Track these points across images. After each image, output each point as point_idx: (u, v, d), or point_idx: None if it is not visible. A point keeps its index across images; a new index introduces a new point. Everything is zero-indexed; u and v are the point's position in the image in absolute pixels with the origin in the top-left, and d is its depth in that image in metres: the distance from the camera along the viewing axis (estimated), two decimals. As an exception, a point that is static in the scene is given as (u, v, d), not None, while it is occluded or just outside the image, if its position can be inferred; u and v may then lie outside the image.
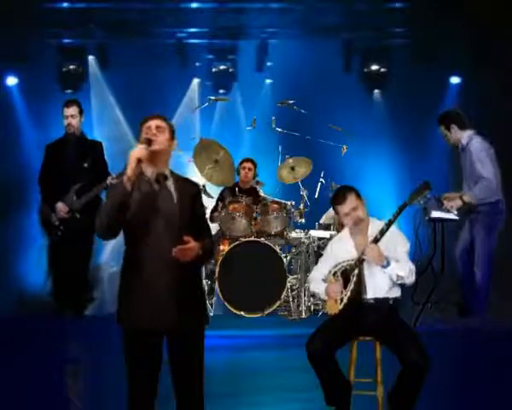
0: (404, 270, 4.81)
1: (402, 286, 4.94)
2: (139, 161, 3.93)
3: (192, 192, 4.17)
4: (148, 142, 4.02)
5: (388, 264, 4.78)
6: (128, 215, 3.97)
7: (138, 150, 3.96)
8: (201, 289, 4.27)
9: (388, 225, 4.79)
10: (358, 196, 4.95)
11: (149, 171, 4.08)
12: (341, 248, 5.01)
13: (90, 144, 8.09)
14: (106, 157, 8.12)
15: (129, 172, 3.92)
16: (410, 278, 4.85)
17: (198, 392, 4.10)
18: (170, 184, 4.10)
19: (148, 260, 3.99)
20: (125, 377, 4.03)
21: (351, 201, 4.90)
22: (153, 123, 4.09)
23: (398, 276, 4.81)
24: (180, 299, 3.99)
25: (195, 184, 4.28)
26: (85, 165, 7.81)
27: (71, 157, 7.89)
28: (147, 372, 4.03)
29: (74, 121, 7.89)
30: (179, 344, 4.05)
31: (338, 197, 4.96)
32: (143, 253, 4.00)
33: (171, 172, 4.16)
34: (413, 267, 4.87)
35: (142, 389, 4.03)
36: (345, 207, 4.92)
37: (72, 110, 7.90)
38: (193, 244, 3.97)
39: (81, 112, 7.98)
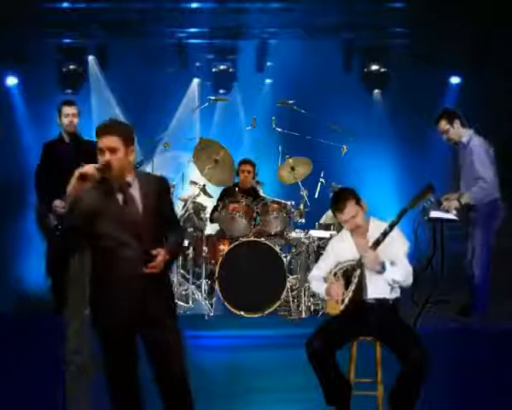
0: (400, 274, 4.81)
1: (401, 286, 4.94)
2: (82, 178, 3.92)
3: (157, 189, 4.16)
4: (103, 169, 3.99)
5: (384, 269, 4.78)
6: (93, 227, 3.99)
7: (85, 168, 3.95)
8: (170, 286, 4.30)
9: (391, 226, 4.79)
10: (358, 201, 4.93)
11: (112, 181, 4.06)
12: (342, 248, 5.01)
13: (86, 144, 8.06)
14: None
15: (68, 189, 3.93)
16: (406, 282, 4.86)
17: (185, 386, 4.12)
18: (134, 190, 4.08)
19: (117, 266, 4.03)
20: (106, 379, 4.12)
21: (350, 209, 4.89)
22: (104, 145, 4.02)
23: (393, 280, 4.82)
24: (149, 298, 4.04)
25: (161, 179, 4.27)
26: (82, 165, 7.78)
27: (68, 157, 7.86)
28: (127, 370, 4.10)
29: (75, 120, 7.89)
30: (153, 341, 4.09)
31: (337, 205, 4.94)
32: (111, 262, 4.03)
33: (136, 174, 4.14)
34: (410, 269, 4.86)
35: (123, 387, 4.09)
36: (344, 216, 4.92)
37: (73, 109, 7.88)
38: (160, 257, 3.98)
39: (79, 113, 7.98)
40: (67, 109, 7.86)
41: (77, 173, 3.86)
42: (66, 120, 7.84)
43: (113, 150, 4.01)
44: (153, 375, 4.11)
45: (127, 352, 4.09)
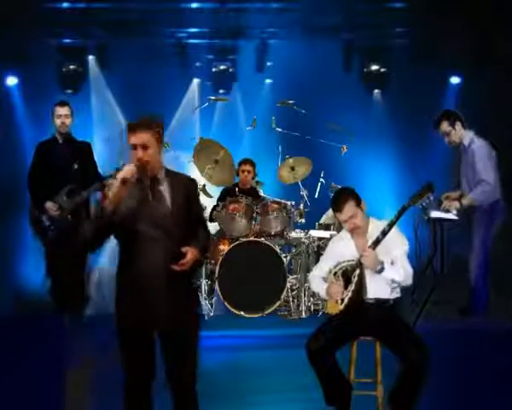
0: (399, 274, 4.81)
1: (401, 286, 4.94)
2: (124, 182, 3.89)
3: (187, 189, 4.15)
4: (140, 168, 3.98)
5: (382, 269, 4.78)
6: (121, 222, 3.97)
7: (126, 171, 3.91)
8: (195, 290, 4.28)
9: (390, 226, 4.79)
10: (358, 201, 4.93)
11: (144, 178, 4.05)
12: (342, 247, 5.01)
13: (80, 145, 8.04)
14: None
15: (111, 195, 3.89)
16: (405, 282, 4.86)
17: (192, 390, 4.11)
18: (164, 186, 4.08)
19: (143, 263, 4.01)
20: (122, 374, 4.10)
21: (348, 209, 4.89)
22: (137, 141, 4.00)
23: (392, 280, 4.82)
24: (174, 299, 4.02)
25: (191, 180, 4.26)
26: (75, 166, 7.76)
27: (61, 158, 7.84)
28: (142, 368, 4.07)
29: (68, 121, 7.86)
30: (172, 343, 4.07)
31: (336, 205, 4.95)
32: (138, 258, 4.01)
33: (166, 171, 4.13)
34: (410, 270, 4.86)
35: (137, 383, 4.08)
36: (343, 216, 4.93)
37: (65, 110, 7.86)
38: (190, 255, 3.98)
39: (72, 113, 7.95)
40: (60, 110, 7.84)
41: (119, 178, 3.85)
42: (58, 121, 7.83)
43: (145, 147, 4.00)
44: (165, 374, 4.11)
45: (145, 349, 4.07)
